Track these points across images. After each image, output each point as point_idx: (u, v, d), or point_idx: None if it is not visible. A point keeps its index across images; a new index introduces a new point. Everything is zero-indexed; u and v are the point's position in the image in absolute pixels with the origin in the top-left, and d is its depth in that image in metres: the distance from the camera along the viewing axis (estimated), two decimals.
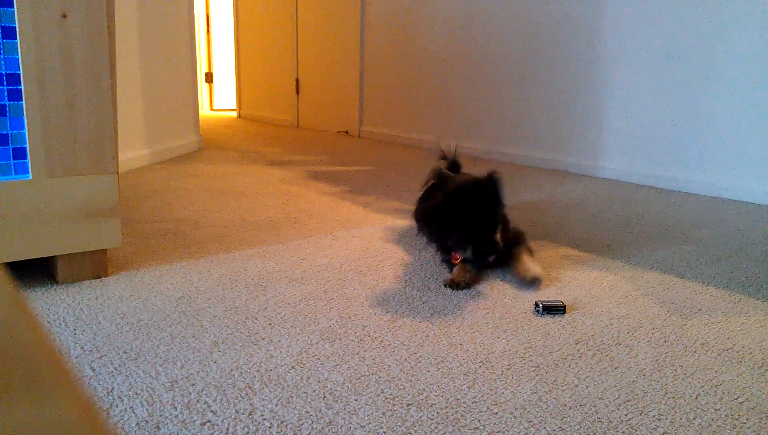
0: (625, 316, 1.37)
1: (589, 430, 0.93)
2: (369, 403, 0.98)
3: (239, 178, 2.89)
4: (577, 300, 1.45)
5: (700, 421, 0.96)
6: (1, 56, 1.28)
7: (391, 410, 0.96)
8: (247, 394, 1.00)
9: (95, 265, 1.49)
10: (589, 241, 1.97)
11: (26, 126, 1.32)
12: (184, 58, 3.58)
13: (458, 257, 1.57)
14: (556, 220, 2.24)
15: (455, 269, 1.56)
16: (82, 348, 1.14)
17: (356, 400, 0.99)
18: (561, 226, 2.15)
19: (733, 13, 2.61)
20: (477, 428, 0.92)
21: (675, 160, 2.89)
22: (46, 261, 1.53)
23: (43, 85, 1.33)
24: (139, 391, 1.00)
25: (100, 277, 1.50)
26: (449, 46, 3.90)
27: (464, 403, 0.99)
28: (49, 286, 1.44)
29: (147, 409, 0.95)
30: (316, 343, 1.19)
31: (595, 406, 0.99)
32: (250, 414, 0.94)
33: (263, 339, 1.20)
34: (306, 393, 1.01)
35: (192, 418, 0.93)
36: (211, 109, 6.71)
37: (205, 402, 0.97)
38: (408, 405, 0.98)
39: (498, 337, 1.24)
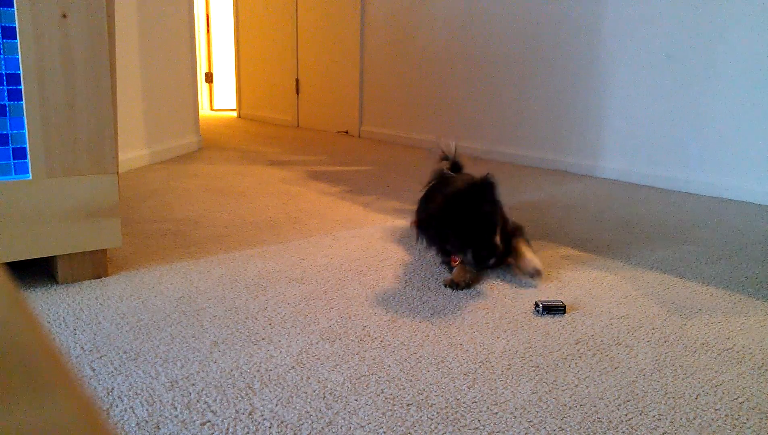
0: (625, 316, 1.37)
1: (589, 430, 0.93)
2: (369, 403, 0.98)
3: (239, 178, 2.89)
4: (577, 300, 1.45)
5: (700, 421, 0.96)
6: (1, 56, 1.28)
7: (391, 410, 0.96)
8: (247, 394, 1.00)
9: (95, 265, 1.49)
10: (589, 241, 1.97)
11: (26, 126, 1.32)
12: (184, 58, 3.58)
13: (457, 260, 1.58)
14: (556, 220, 2.24)
15: (455, 269, 1.56)
16: (82, 348, 1.14)
17: (356, 400, 0.99)
18: (561, 226, 2.15)
19: (733, 13, 2.61)
20: (477, 428, 0.92)
21: (675, 160, 2.89)
22: (46, 261, 1.53)
23: (43, 85, 1.33)
24: (139, 391, 1.00)
25: (100, 277, 1.50)
26: (449, 46, 3.90)
27: (464, 403, 0.99)
28: (49, 286, 1.44)
29: (147, 409, 0.95)
30: (316, 343, 1.19)
31: (595, 406, 0.99)
32: (250, 414, 0.94)
33: (263, 339, 1.20)
34: (306, 393, 1.01)
35: (192, 418, 0.93)
36: (211, 109, 6.71)
37: (205, 402, 0.97)
38: (408, 405, 0.98)
39: (498, 337, 1.24)
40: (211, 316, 1.30)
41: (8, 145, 1.32)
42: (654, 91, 2.92)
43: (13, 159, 1.33)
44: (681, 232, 2.11)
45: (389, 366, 1.11)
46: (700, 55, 2.74)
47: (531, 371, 1.10)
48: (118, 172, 1.46)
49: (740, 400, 1.03)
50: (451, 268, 1.60)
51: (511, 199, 2.56)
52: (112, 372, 1.06)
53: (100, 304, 1.35)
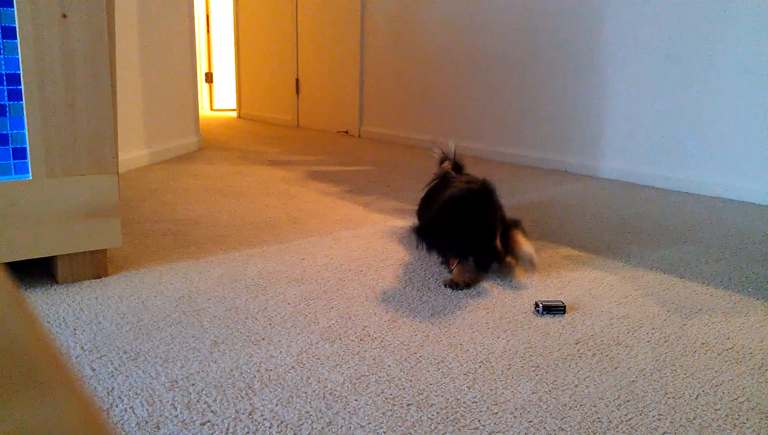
0: (625, 316, 1.37)
1: (589, 430, 0.93)
2: (369, 403, 0.98)
3: (239, 178, 2.89)
4: (577, 300, 1.45)
5: (700, 421, 0.96)
6: (1, 56, 1.28)
7: (391, 410, 0.96)
8: (247, 394, 1.00)
9: (95, 265, 1.49)
10: (589, 241, 1.97)
11: (26, 126, 1.32)
12: (184, 58, 3.58)
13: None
14: (557, 220, 2.24)
15: (455, 270, 1.57)
16: (82, 348, 1.14)
17: (356, 400, 0.99)
18: (561, 226, 2.15)
19: (733, 14, 2.61)
20: (477, 428, 0.92)
21: (675, 160, 2.89)
22: (46, 261, 1.53)
23: (43, 85, 1.33)
24: (139, 391, 1.00)
25: (100, 277, 1.50)
26: (449, 47, 3.90)
27: (464, 403, 0.99)
28: (49, 286, 1.44)
29: (147, 409, 0.95)
30: (316, 343, 1.19)
31: (595, 406, 0.99)
32: (250, 414, 0.94)
33: (263, 339, 1.20)
34: (306, 393, 1.01)
35: (192, 418, 0.93)
36: (211, 109, 6.71)
37: (205, 402, 0.97)
38: (408, 405, 0.98)
39: (498, 337, 1.24)
40: (211, 316, 1.30)
41: (8, 145, 1.32)
42: (654, 91, 2.92)
43: (13, 159, 1.33)
44: (681, 232, 2.11)
45: (389, 366, 1.11)
46: (700, 55, 2.74)
47: (531, 371, 1.10)
48: (118, 172, 1.46)
49: (740, 400, 1.03)
50: (450, 269, 1.61)
51: (512, 199, 2.56)
52: (112, 372, 1.06)
53: (100, 304, 1.35)
